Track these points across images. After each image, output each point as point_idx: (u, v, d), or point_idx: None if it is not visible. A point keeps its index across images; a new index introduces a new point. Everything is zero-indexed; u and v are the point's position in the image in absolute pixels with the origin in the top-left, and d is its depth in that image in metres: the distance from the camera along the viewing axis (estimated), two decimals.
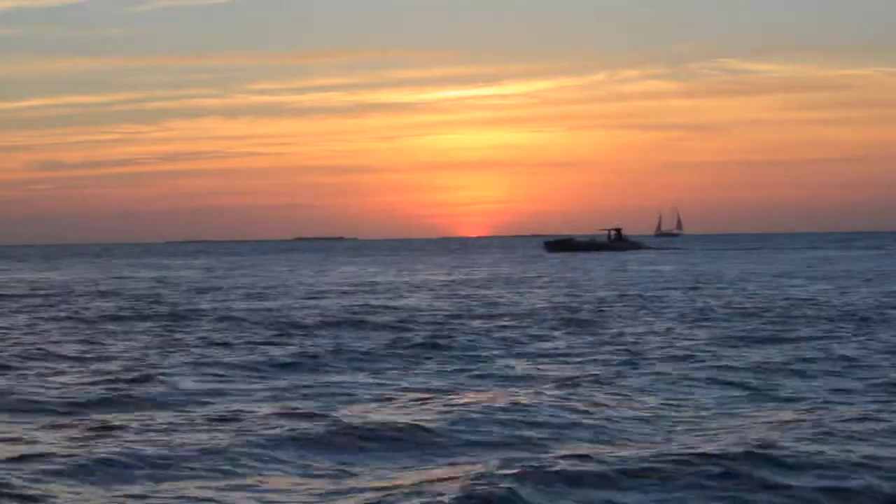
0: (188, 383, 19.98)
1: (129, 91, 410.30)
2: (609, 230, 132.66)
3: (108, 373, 21.34)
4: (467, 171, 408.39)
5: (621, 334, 28.77)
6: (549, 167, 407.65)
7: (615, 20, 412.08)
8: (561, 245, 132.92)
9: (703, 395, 18.29)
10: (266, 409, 16.81)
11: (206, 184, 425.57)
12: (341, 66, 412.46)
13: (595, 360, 23.03)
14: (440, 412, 16.21)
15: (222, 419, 15.84)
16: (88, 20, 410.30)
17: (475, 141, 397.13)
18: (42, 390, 19.00)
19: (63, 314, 38.38)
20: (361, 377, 21.03)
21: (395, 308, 39.34)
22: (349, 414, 16.17)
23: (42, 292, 54.64)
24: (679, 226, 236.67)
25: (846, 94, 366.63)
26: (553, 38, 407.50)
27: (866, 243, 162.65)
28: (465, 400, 17.45)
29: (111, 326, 33.12)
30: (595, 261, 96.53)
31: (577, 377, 20.05)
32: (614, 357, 23.47)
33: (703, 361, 22.57)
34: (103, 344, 27.64)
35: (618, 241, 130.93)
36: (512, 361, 23.12)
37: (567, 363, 22.75)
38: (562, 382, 19.28)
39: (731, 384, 19.32)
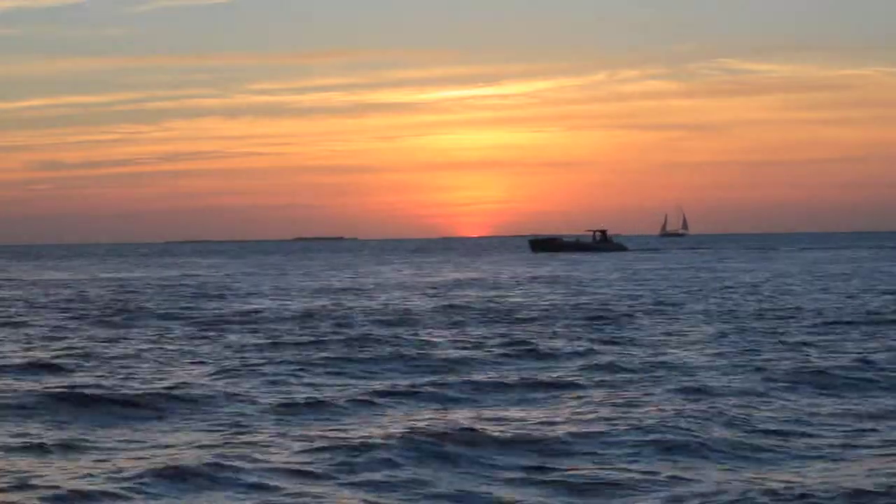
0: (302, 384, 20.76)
1: (129, 91, 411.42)
2: (594, 231, 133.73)
3: (226, 374, 21.91)
4: (467, 171, 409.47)
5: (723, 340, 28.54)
6: (549, 167, 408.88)
7: (615, 20, 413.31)
8: (546, 244, 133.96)
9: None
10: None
11: (206, 184, 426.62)
12: (341, 66, 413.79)
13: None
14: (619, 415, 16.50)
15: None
16: (88, 20, 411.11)
17: (475, 141, 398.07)
18: (169, 393, 19.05)
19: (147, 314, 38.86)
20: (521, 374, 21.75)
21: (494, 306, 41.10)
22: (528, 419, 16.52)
23: (104, 291, 55.84)
24: (685, 226, 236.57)
25: (846, 94, 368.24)
26: (553, 38, 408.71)
27: (866, 243, 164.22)
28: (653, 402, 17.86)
29: (192, 328, 33.83)
30: (603, 262, 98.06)
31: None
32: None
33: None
34: (194, 345, 28.53)
35: (603, 243, 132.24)
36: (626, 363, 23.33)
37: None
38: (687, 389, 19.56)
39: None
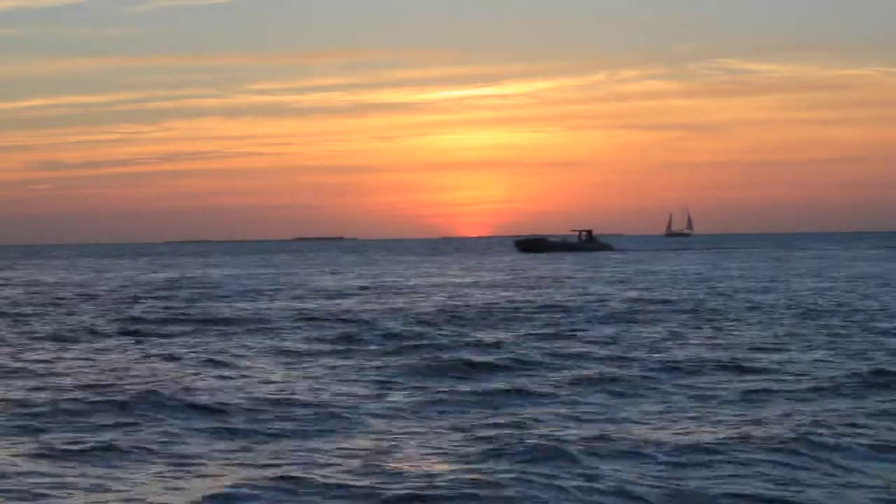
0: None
1: (129, 91, 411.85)
2: (580, 231, 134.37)
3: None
4: (467, 171, 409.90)
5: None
6: (549, 167, 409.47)
7: (615, 20, 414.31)
8: (532, 245, 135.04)
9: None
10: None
11: (206, 184, 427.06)
12: (341, 66, 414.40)
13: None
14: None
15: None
16: (88, 20, 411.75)
17: (475, 141, 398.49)
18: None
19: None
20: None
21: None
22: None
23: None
24: (690, 225, 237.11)
25: (846, 94, 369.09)
26: (553, 38, 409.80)
27: (867, 243, 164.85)
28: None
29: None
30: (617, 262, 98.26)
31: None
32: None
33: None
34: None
35: (589, 242, 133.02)
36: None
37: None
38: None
39: None
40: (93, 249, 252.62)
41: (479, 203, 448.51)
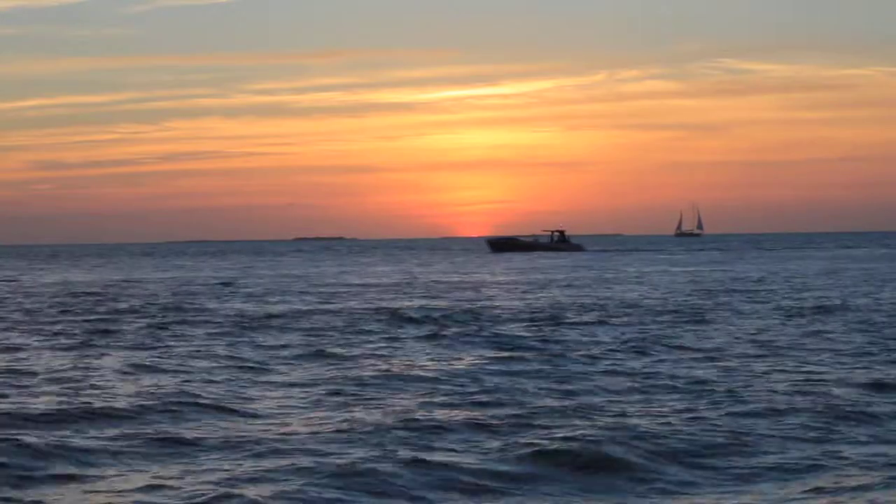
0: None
1: (129, 91, 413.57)
2: (553, 231, 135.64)
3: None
4: (467, 171, 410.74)
5: None
6: (549, 167, 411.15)
7: (615, 20, 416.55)
8: (504, 245, 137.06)
9: None
10: None
11: (206, 184, 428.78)
12: (341, 66, 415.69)
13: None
14: None
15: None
16: (88, 20, 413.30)
17: (475, 141, 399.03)
18: None
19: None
20: None
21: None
22: None
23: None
24: (700, 226, 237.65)
25: (846, 94, 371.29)
26: (553, 38, 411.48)
27: (868, 243, 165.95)
28: None
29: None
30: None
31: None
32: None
33: None
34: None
35: (560, 243, 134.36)
36: None
37: None
38: None
39: None
40: (96, 249, 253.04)
41: (479, 203, 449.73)
